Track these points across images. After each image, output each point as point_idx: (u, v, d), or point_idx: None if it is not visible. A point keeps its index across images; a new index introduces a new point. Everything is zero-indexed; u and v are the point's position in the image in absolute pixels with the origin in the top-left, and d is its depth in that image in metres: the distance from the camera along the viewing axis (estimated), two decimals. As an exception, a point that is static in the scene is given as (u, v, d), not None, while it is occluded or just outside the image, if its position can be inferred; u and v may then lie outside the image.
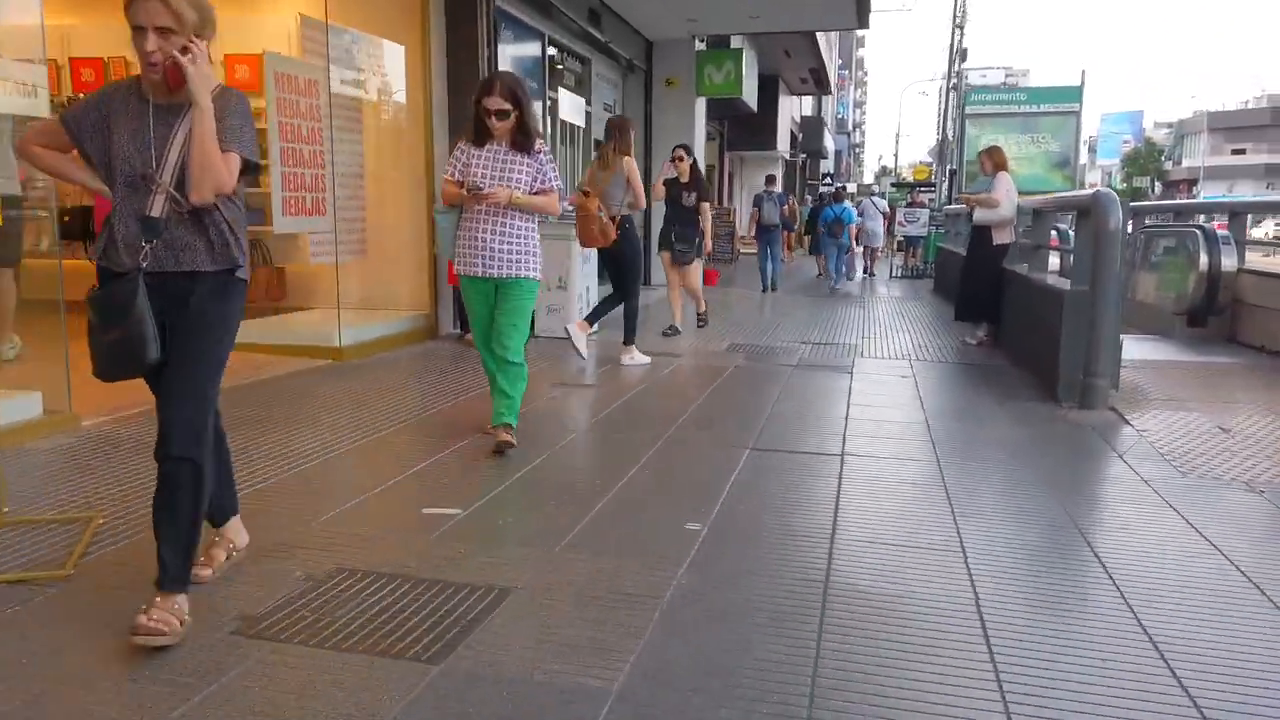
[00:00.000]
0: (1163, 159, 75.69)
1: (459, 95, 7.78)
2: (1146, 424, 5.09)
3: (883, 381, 6.45)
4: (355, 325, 6.92)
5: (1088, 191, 5.65)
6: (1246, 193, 54.89)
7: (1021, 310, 7.21)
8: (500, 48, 8.47)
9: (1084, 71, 14.01)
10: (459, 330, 7.66)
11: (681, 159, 7.94)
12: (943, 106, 25.88)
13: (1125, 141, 79.41)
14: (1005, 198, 7.57)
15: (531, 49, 9.64)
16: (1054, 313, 5.96)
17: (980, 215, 7.75)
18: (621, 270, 6.81)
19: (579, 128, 10.87)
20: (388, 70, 7.64)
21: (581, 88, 11.87)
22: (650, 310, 9.18)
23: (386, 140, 7.80)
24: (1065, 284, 6.12)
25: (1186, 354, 7.45)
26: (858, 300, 12.91)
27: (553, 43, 10.47)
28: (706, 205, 8.02)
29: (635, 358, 6.84)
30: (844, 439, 4.68)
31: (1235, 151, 68.43)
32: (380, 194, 7.71)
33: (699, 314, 8.87)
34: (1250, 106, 74.59)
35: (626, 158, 6.48)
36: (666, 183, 7.98)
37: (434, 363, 6.64)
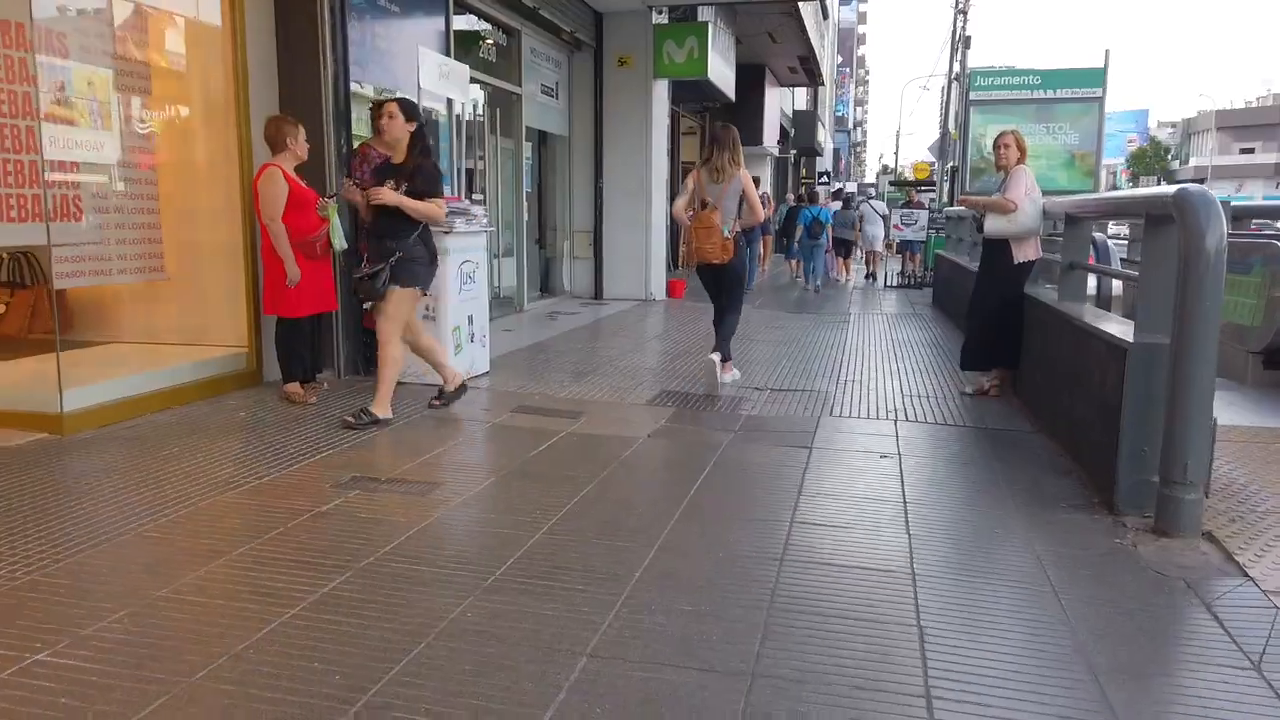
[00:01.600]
0: (1169, 158, 73.96)
1: (292, 57, 5.79)
2: (1277, 574, 3.09)
3: (853, 465, 4.44)
4: (107, 377, 4.93)
5: (1165, 189, 3.65)
6: (1256, 193, 52.96)
7: (1050, 355, 5.21)
8: (372, 7, 6.47)
9: (1108, 51, 12.05)
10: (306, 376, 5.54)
11: (393, 116, 4.83)
12: (945, 99, 23.85)
13: (1130, 140, 78.15)
14: (1026, 198, 5.56)
15: (429, 17, 7.62)
16: (1107, 373, 3.96)
17: (994, 225, 5.73)
18: (729, 287, 6.25)
19: (472, 107, 8.73)
20: (191, 19, 5.65)
21: (508, 67, 9.86)
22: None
23: (190, 122, 5.80)
24: (1124, 330, 4.12)
25: (1278, 414, 5.45)
26: (843, 316, 10.90)
27: (463, 7, 8.47)
28: (433, 205, 4.86)
29: (733, 374, 6.36)
30: (765, 620, 2.68)
31: (1244, 150, 66.88)
32: (181, 193, 5.72)
33: (442, 390, 5.35)
34: (1257, 105, 72.97)
35: (743, 170, 6.04)
36: (376, 171, 5.17)
37: (197, 436, 4.62)
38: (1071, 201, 5.49)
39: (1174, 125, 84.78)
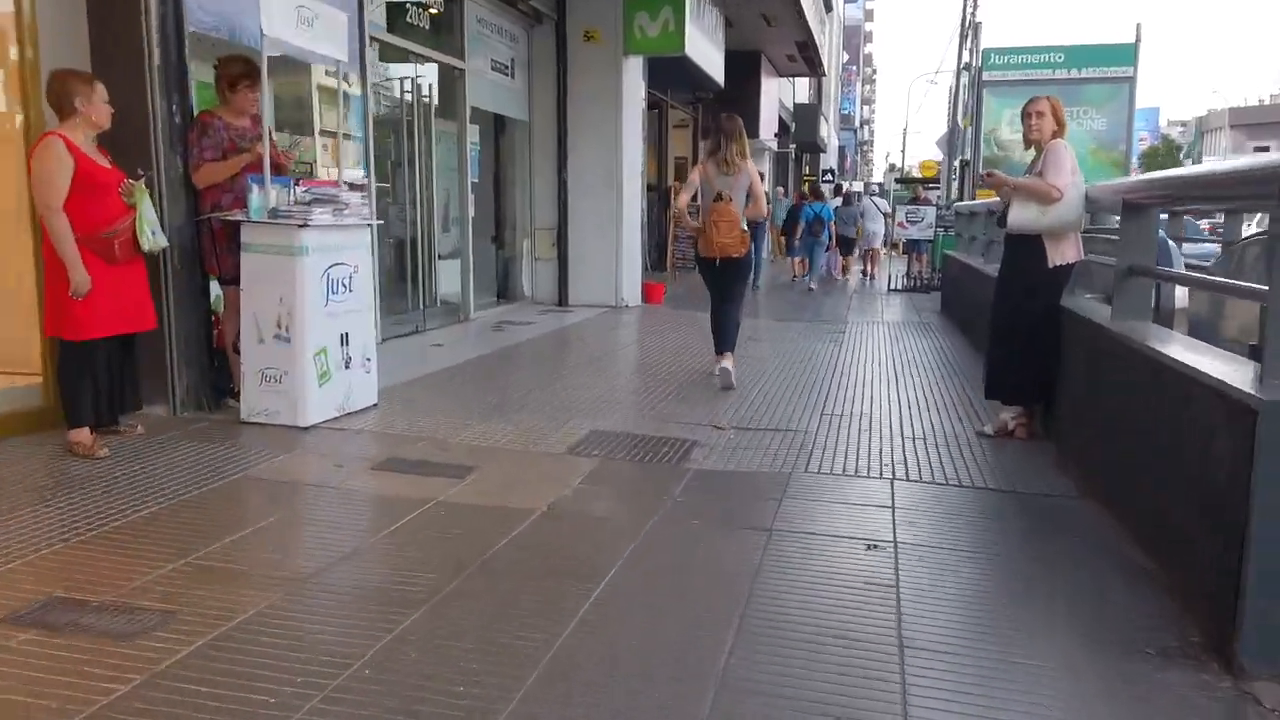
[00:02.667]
0: (1181, 156, 72.71)
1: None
2: None
3: (827, 565, 3.06)
4: None
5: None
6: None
7: (1104, 394, 3.82)
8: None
9: (1139, 25, 10.63)
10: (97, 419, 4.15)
11: None
12: (954, 87, 22.43)
13: (1141, 139, 76.97)
14: (1071, 183, 4.18)
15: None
16: (1214, 440, 2.57)
17: (1023, 217, 4.33)
18: (739, 281, 6.14)
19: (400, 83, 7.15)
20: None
21: (446, 38, 8.50)
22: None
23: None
24: (1237, 372, 2.71)
25: None
26: (839, 325, 9.49)
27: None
28: None
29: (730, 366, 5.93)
30: None
31: (1259, 149, 65.42)
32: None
33: None
34: (1271, 102, 71.71)
35: (750, 162, 5.96)
36: None
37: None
38: (1132, 183, 4.07)
39: (1184, 124, 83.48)
